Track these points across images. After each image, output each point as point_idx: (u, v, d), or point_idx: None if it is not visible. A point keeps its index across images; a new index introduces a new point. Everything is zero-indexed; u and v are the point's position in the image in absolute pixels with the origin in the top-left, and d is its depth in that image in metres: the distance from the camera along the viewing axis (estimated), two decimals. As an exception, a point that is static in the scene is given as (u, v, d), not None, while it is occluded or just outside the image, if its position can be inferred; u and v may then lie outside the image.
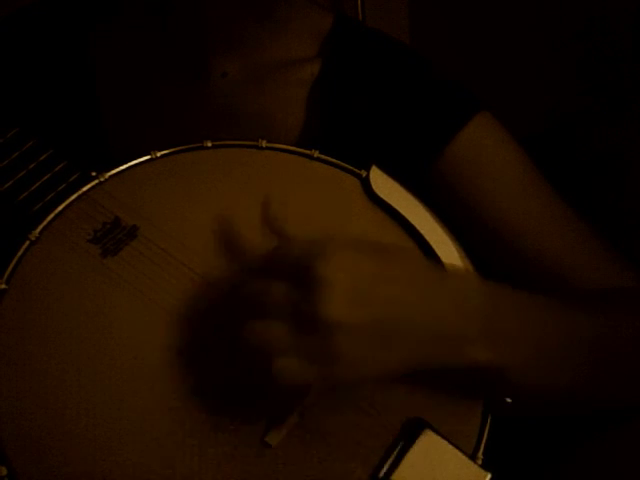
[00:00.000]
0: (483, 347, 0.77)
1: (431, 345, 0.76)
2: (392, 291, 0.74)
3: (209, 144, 0.92)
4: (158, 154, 0.91)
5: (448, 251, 0.92)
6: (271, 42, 1.05)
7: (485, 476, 0.79)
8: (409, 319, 0.75)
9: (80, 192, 0.88)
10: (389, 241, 0.91)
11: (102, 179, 0.89)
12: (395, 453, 0.80)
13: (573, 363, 0.82)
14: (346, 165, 0.94)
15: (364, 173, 0.94)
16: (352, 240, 0.76)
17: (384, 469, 0.79)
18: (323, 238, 0.74)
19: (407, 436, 0.80)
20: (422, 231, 0.91)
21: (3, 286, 0.82)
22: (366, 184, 0.94)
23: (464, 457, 0.79)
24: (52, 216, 0.86)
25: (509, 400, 0.81)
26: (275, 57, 1.05)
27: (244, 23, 1.02)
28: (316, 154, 0.94)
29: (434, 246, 0.91)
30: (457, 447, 0.79)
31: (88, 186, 0.88)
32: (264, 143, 0.93)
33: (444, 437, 0.80)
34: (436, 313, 0.76)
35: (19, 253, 0.84)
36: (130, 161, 0.91)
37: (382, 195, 0.93)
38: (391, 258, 0.77)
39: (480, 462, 0.80)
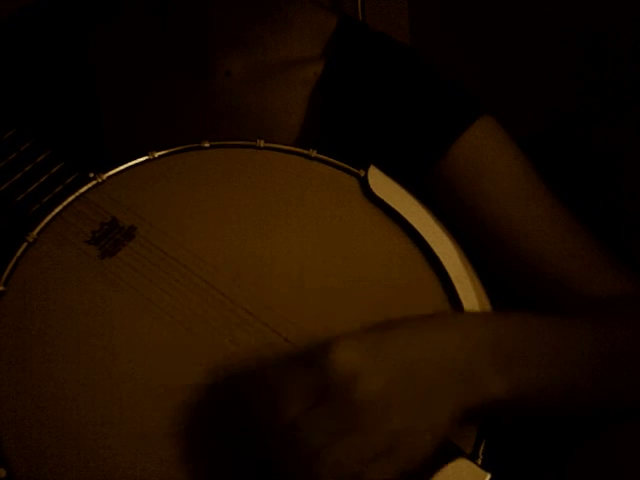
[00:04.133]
0: (496, 377, 0.77)
1: (450, 386, 0.76)
2: (405, 352, 0.75)
3: (207, 144, 0.92)
4: (156, 154, 0.91)
5: (447, 251, 0.91)
6: (275, 41, 1.05)
7: (485, 476, 0.78)
8: (431, 372, 0.75)
9: (78, 193, 0.88)
10: (387, 240, 0.92)
11: (100, 180, 0.89)
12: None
13: (574, 368, 0.82)
14: (344, 165, 0.94)
15: (362, 173, 0.94)
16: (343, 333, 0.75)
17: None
18: (313, 347, 0.75)
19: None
20: (420, 231, 0.91)
21: (1, 288, 0.82)
22: (364, 184, 0.93)
23: (464, 457, 0.79)
24: (50, 217, 0.86)
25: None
26: (279, 57, 1.05)
27: (248, 22, 1.02)
28: (314, 154, 0.93)
29: (433, 247, 0.91)
30: (456, 447, 0.79)
31: (86, 187, 0.88)
32: (262, 143, 0.93)
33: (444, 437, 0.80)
34: (446, 353, 0.76)
35: (17, 255, 0.83)
36: (128, 162, 0.91)
37: (380, 195, 0.92)
38: (389, 325, 0.77)
39: (480, 462, 0.80)
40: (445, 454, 0.79)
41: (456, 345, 0.77)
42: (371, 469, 0.71)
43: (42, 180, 0.88)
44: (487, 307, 0.90)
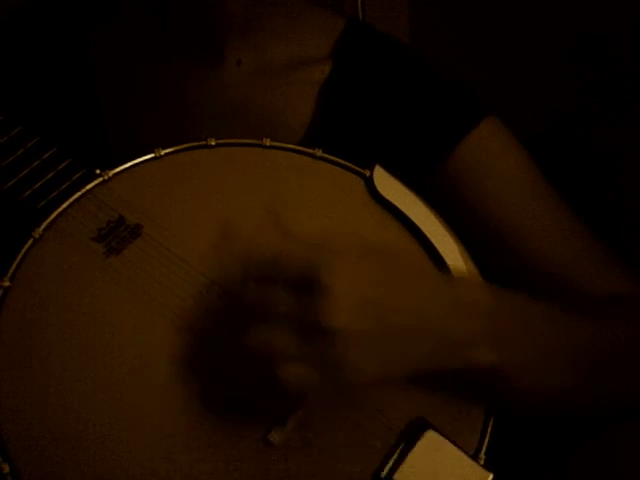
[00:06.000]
0: (485, 347, 0.78)
1: (434, 348, 0.77)
2: (394, 297, 0.75)
3: (213, 142, 0.92)
4: (162, 152, 0.91)
5: (451, 252, 0.92)
6: (286, 36, 1.05)
7: (487, 476, 0.79)
8: (412, 324, 0.76)
9: (84, 190, 0.87)
10: (392, 242, 0.92)
11: (106, 177, 0.89)
12: (397, 453, 0.80)
13: (573, 365, 0.83)
14: (350, 164, 0.94)
15: (368, 173, 0.94)
16: (354, 244, 0.76)
17: (386, 469, 0.79)
18: (326, 241, 0.75)
19: (410, 436, 0.81)
20: (426, 232, 0.91)
21: (7, 283, 0.82)
22: (370, 184, 0.94)
23: (466, 457, 0.79)
24: (56, 214, 0.86)
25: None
26: (288, 52, 1.05)
27: (261, 13, 1.02)
28: (319, 153, 0.94)
29: (437, 247, 0.91)
30: (459, 447, 0.80)
31: (92, 184, 0.88)
32: (268, 142, 0.93)
33: (446, 437, 0.80)
34: (438, 316, 0.77)
35: (23, 251, 0.83)
36: (134, 159, 0.90)
37: (386, 195, 0.93)
38: (393, 263, 0.77)
39: (482, 462, 0.81)
40: (446, 454, 0.79)
41: (454, 311, 0.77)
42: (292, 364, 0.73)
43: (49, 176, 0.88)
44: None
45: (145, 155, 0.91)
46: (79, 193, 0.87)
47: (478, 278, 0.92)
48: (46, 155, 0.89)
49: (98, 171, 0.89)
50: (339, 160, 0.94)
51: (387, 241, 0.91)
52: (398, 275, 0.77)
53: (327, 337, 0.72)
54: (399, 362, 0.76)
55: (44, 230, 0.85)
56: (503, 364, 0.78)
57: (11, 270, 0.82)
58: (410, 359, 0.76)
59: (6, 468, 0.75)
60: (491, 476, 0.79)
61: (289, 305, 0.73)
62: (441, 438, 0.80)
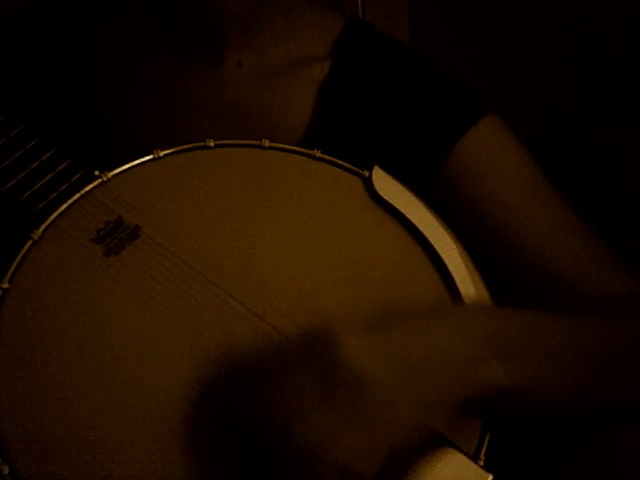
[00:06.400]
0: (494, 366, 0.78)
1: (449, 377, 0.77)
2: (407, 350, 0.76)
3: (212, 144, 0.92)
4: (161, 153, 0.91)
5: (451, 252, 0.92)
6: (286, 36, 1.05)
7: (487, 477, 0.79)
8: (431, 368, 0.76)
9: (83, 191, 0.87)
10: (390, 240, 0.92)
11: (105, 178, 0.88)
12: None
13: (573, 366, 0.83)
14: (348, 165, 0.94)
15: (366, 173, 0.94)
16: (351, 318, 0.77)
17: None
18: (323, 325, 0.76)
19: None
20: (424, 232, 0.91)
21: (6, 285, 0.81)
22: (368, 184, 0.94)
23: (466, 458, 0.79)
24: (55, 215, 0.85)
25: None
26: (288, 52, 1.05)
27: (261, 13, 1.02)
28: (318, 154, 0.94)
29: (436, 247, 0.91)
30: (459, 448, 0.79)
31: (91, 185, 0.88)
32: (267, 143, 0.93)
33: (446, 438, 0.80)
34: (445, 344, 0.77)
35: (22, 252, 0.83)
36: (133, 160, 0.90)
37: (384, 195, 0.93)
38: (390, 322, 0.78)
39: (482, 463, 0.80)
40: (446, 455, 0.79)
41: (455, 338, 0.78)
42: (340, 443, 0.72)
43: (48, 178, 0.87)
44: (489, 309, 0.90)
45: (144, 156, 0.91)
46: (78, 194, 0.87)
47: (477, 278, 0.92)
48: (45, 156, 0.89)
49: (97, 172, 0.89)
50: (338, 161, 0.94)
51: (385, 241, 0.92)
52: (399, 327, 0.77)
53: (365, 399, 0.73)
54: (427, 400, 0.76)
55: (43, 231, 0.85)
56: (511, 380, 0.78)
57: (10, 271, 0.82)
58: (435, 394, 0.77)
59: (5, 469, 0.74)
60: (491, 477, 0.79)
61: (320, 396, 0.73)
62: (441, 439, 0.80)
